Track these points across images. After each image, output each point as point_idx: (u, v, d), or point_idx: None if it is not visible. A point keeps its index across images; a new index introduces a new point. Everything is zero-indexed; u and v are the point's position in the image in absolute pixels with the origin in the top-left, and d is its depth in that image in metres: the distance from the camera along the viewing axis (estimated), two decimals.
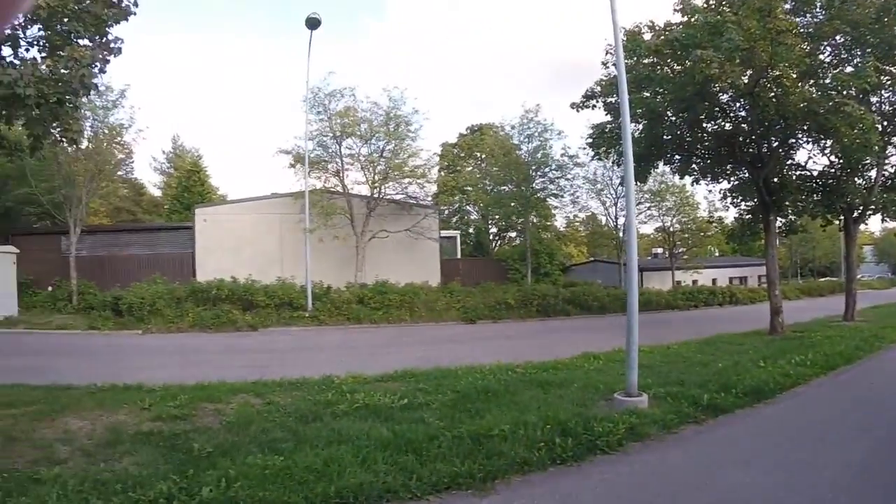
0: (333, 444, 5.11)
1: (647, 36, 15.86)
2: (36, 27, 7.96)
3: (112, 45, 8.19)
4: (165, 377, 8.68)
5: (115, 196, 34.07)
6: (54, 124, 8.52)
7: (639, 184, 23.27)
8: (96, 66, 8.05)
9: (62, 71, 7.73)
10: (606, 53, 17.28)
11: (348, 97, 22.71)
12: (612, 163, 24.38)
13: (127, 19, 8.41)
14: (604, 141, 18.77)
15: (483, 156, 35.47)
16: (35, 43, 8.11)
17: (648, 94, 16.71)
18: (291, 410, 6.48)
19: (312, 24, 19.85)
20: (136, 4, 8.42)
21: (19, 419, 6.39)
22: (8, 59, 8.00)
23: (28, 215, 27.05)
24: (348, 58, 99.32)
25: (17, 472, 4.74)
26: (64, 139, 9.23)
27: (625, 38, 14.19)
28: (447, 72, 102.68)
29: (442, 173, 29.83)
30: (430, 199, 26.97)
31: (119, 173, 28.22)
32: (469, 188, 31.14)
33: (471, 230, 41.49)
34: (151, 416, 6.45)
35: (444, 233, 29.87)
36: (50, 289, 22.45)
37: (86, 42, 8.09)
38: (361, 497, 4.19)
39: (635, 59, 15.50)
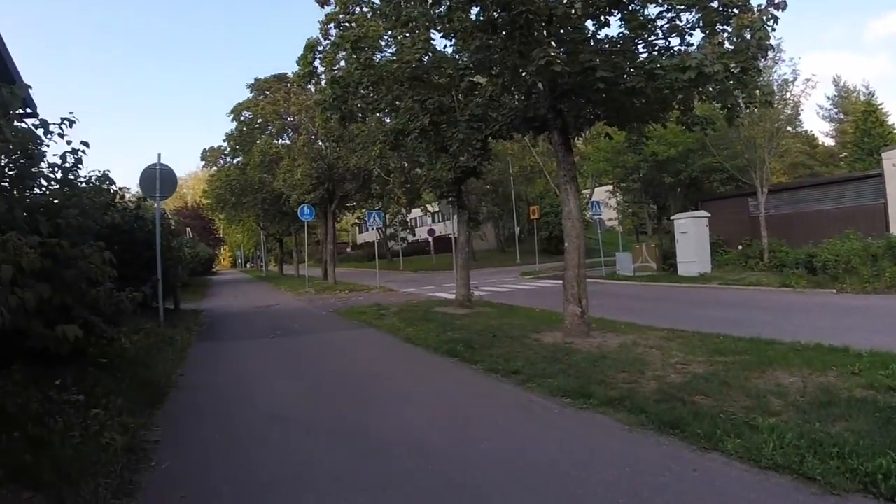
0: None
1: None
2: (690, 13, 8.54)
3: (776, 0, 7.91)
4: (869, 342, 7.85)
5: (791, 152, 33.90)
6: (736, 92, 8.79)
7: None
8: (769, 25, 7.90)
9: (735, 41, 8.02)
10: None
11: None
12: None
13: None
14: None
15: None
16: (695, 26, 8.66)
17: None
18: None
19: None
20: None
21: (730, 367, 6.80)
22: (676, 48, 8.88)
23: (712, 182, 29.66)
24: None
25: (734, 415, 5.01)
26: (750, 105, 9.49)
27: None
28: None
29: None
30: None
31: (789, 128, 28.13)
32: None
33: None
34: (863, 384, 5.90)
35: None
36: (740, 248, 23.85)
37: (735, 11, 8.11)
38: None
39: None
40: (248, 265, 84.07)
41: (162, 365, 8.17)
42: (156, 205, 12.52)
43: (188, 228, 43.73)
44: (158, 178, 12.31)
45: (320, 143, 27.76)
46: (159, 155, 12.59)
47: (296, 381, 7.85)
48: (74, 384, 5.36)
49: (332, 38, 14.16)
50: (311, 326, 13.36)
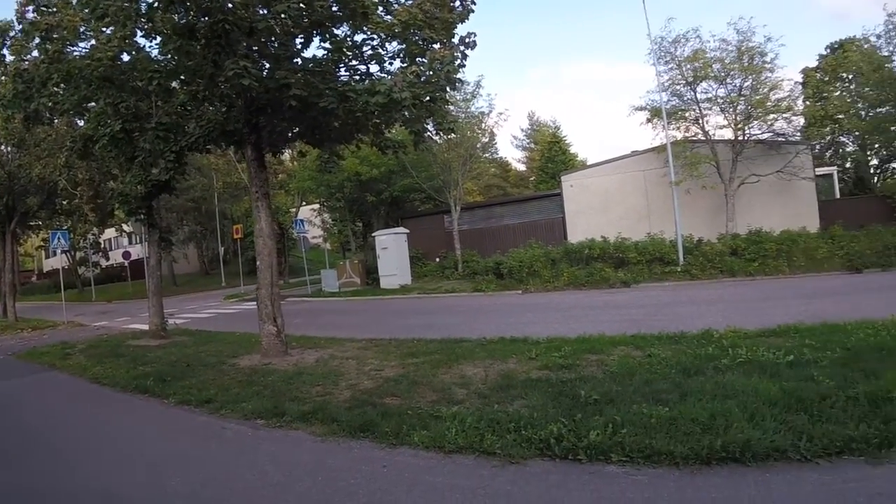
0: (718, 398, 4.77)
1: None
2: (394, 43, 8.99)
3: (467, 39, 8.67)
4: (548, 331, 9.19)
5: (485, 175, 38.13)
6: (428, 120, 9.51)
7: None
8: (457, 61, 8.60)
9: (427, 73, 8.51)
10: None
11: (693, 40, 20.89)
12: None
13: (468, 18, 8.92)
14: None
15: (850, 76, 29.48)
16: (396, 55, 9.14)
17: None
18: (672, 363, 6.23)
19: None
20: (474, 3, 8.90)
21: (420, 366, 7.36)
22: (376, 74, 9.27)
23: (412, 201, 31.89)
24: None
25: (420, 409, 5.43)
26: (440, 131, 10.28)
27: None
28: None
29: (807, 103, 25.37)
30: (798, 134, 23.25)
31: (485, 155, 31.59)
32: (840, 116, 26.08)
33: (847, 165, 35.17)
34: (539, 366, 6.85)
35: (819, 171, 25.68)
36: (437, 260, 26.30)
37: (437, 46, 8.71)
38: (748, 453, 3.78)
39: None
40: None
41: None
42: None
43: None
44: None
45: (0, 147, 22.95)
46: None
47: None
48: None
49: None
50: None
